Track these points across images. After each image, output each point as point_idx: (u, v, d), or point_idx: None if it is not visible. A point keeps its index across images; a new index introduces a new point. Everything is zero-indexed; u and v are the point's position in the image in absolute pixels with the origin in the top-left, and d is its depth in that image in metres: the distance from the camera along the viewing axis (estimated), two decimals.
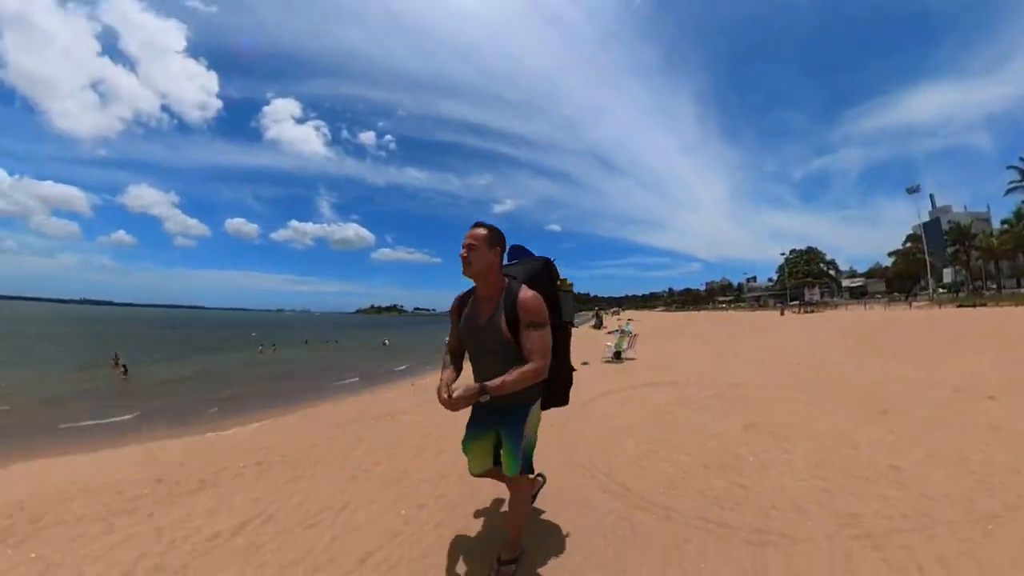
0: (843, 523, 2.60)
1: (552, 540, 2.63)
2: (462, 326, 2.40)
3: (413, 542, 2.74)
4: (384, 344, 32.68)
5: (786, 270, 74.62)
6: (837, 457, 3.65)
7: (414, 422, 6.05)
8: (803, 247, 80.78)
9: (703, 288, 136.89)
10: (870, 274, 79.25)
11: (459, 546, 2.66)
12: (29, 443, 7.12)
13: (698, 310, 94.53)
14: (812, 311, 43.10)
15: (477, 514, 3.07)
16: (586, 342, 19.94)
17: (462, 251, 2.25)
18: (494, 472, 2.54)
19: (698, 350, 14.15)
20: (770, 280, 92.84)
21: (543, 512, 3.00)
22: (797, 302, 52.82)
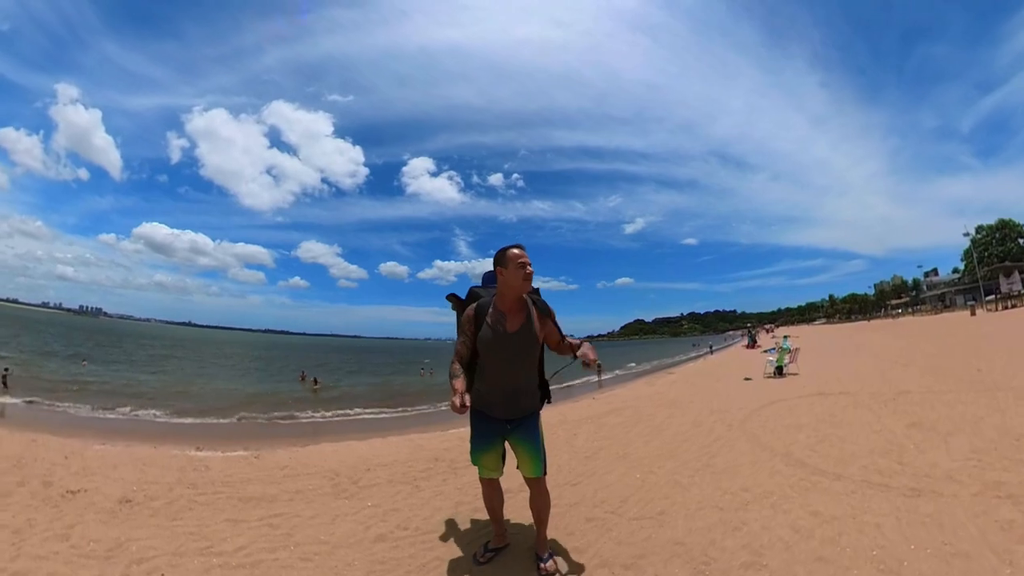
0: (988, 487, 3.06)
1: (754, 491, 3.52)
2: (487, 334, 2.44)
3: (649, 497, 3.73)
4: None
5: (974, 255, 53.02)
6: (996, 446, 3.88)
7: (616, 423, 7.08)
8: (993, 221, 57.88)
9: (871, 291, 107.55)
10: None
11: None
12: (297, 435, 8.62)
13: (867, 319, 75.30)
14: (1015, 305, 32.58)
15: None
16: (744, 361, 18.91)
17: (529, 268, 2.42)
18: (499, 483, 2.74)
19: (865, 362, 12.98)
20: (955, 271, 67.61)
21: (743, 472, 3.94)
22: (993, 297, 38.68)
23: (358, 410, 13.13)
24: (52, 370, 19.71)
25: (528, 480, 2.60)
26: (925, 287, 77.06)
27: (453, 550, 2.90)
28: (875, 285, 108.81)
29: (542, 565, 2.55)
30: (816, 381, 9.71)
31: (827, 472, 3.75)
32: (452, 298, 2.89)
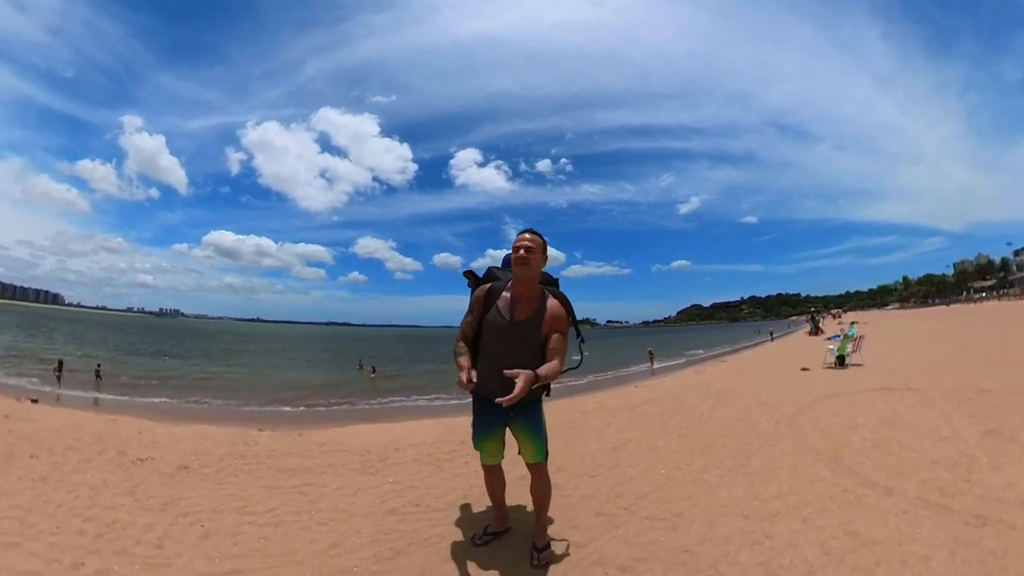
0: None
1: (788, 499, 3.14)
2: (495, 317, 2.35)
3: (669, 495, 3.45)
4: (578, 361, 33.74)
5: None
6: None
7: (654, 412, 6.74)
8: None
9: (950, 272, 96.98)
10: None
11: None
12: (344, 417, 9.67)
13: (946, 304, 67.70)
14: None
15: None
16: (803, 348, 17.73)
17: (521, 252, 2.24)
18: (501, 468, 2.69)
19: (940, 353, 11.65)
20: None
21: (781, 476, 3.55)
22: None
23: (414, 396, 13.55)
24: (137, 365, 21.91)
25: (528, 465, 2.53)
26: (1014, 267, 66.98)
27: (455, 529, 2.96)
28: (955, 265, 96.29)
29: (535, 555, 2.49)
30: (881, 374, 8.79)
31: (878, 484, 3.28)
32: (468, 275, 2.76)
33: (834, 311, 72.08)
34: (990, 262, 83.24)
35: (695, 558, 2.48)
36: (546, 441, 2.49)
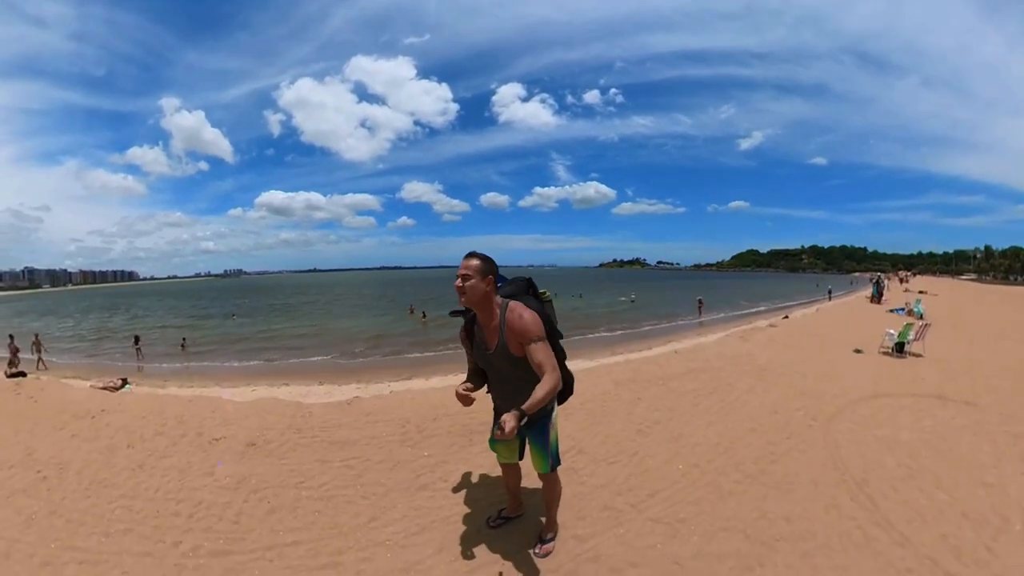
0: None
1: (795, 524, 3.13)
2: (479, 350, 2.42)
3: (679, 497, 3.53)
4: (631, 300, 32.67)
5: None
6: None
7: (688, 389, 6.70)
8: None
9: None
10: None
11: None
12: (397, 367, 10.61)
13: None
14: None
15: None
16: (861, 320, 16.20)
17: (457, 281, 2.23)
18: (518, 466, 2.86)
19: (1014, 358, 10.04)
20: None
21: (798, 494, 3.49)
22: None
23: (458, 349, 14.15)
24: (211, 328, 24.50)
25: (539, 474, 2.66)
26: None
27: (477, 508, 3.27)
28: None
29: (539, 545, 2.76)
30: (940, 373, 8.02)
31: (894, 528, 3.19)
32: (454, 315, 2.74)
33: (902, 273, 64.82)
34: None
35: (684, 572, 2.61)
36: (555, 454, 2.55)
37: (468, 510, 3.28)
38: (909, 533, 3.16)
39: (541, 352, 2.18)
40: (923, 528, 3.23)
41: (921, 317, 10.49)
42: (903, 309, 14.73)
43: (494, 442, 2.72)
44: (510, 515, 3.06)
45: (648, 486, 3.64)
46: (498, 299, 2.33)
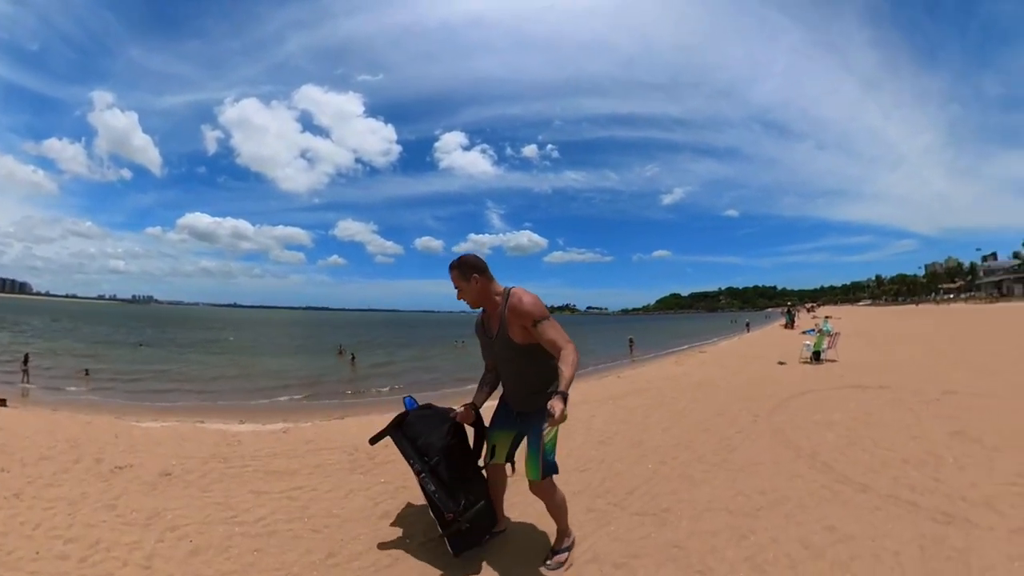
0: None
1: (770, 495, 3.31)
2: (481, 343, 2.53)
3: (656, 491, 3.66)
4: None
5: None
6: None
7: (636, 404, 6.92)
8: None
9: (921, 273, 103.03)
10: None
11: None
12: (327, 409, 9.74)
13: (915, 303, 70.78)
14: None
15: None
16: (779, 342, 18.23)
17: (456, 295, 2.40)
18: (503, 469, 2.66)
19: (911, 353, 12.19)
20: (1016, 256, 64.83)
21: (762, 472, 3.73)
22: None
23: (396, 385, 13.63)
24: (115, 358, 21.50)
25: (529, 484, 2.45)
26: (981, 272, 70.90)
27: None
28: (926, 267, 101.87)
29: (550, 555, 2.57)
30: (855, 371, 9.19)
31: (853, 480, 3.50)
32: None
33: (808, 305, 75.78)
34: (959, 266, 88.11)
35: (685, 553, 2.62)
36: (549, 459, 2.34)
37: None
38: (867, 482, 3.47)
39: (550, 330, 2.20)
40: (877, 477, 3.57)
41: (830, 332, 12.10)
42: (813, 330, 16.66)
43: (493, 434, 2.62)
44: (493, 530, 2.81)
45: (624, 486, 3.65)
46: (500, 288, 2.39)
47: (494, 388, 2.68)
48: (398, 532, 2.97)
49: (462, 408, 2.51)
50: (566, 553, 2.58)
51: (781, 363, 11.26)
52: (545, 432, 2.10)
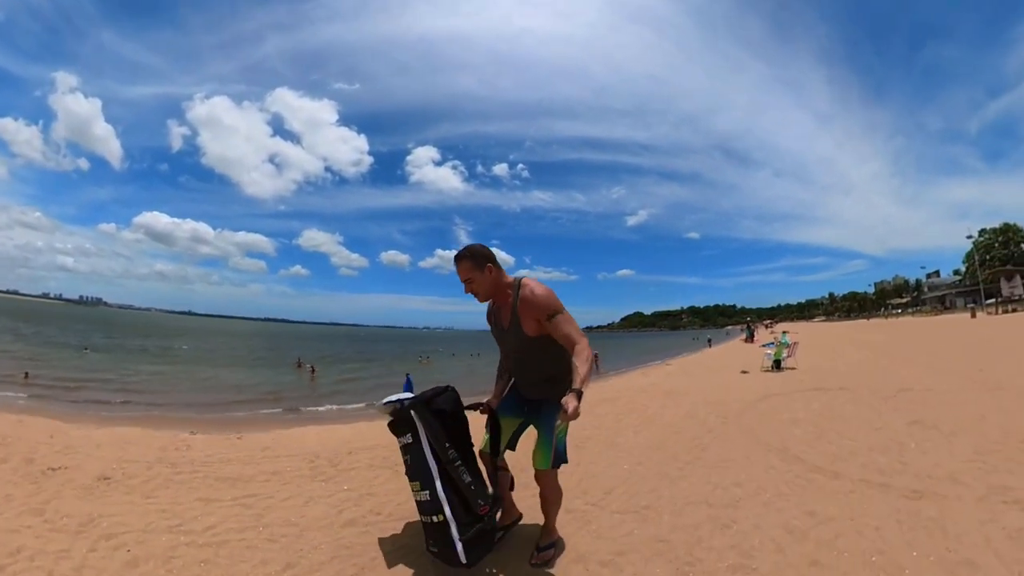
0: (995, 491, 2.86)
1: (747, 487, 3.34)
2: (494, 334, 2.47)
3: (634, 489, 3.66)
4: None
5: (976, 258, 54.79)
6: (1002, 447, 3.70)
7: (607, 411, 6.89)
8: (997, 224, 59.00)
9: (871, 291, 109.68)
10: None
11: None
12: (283, 421, 9.34)
13: (867, 318, 75.70)
14: (1014, 310, 32.46)
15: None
16: (741, 354, 18.96)
17: (465, 288, 2.30)
18: (497, 460, 2.52)
19: (866, 359, 12.84)
20: (956, 273, 69.84)
21: (736, 466, 3.78)
22: (993, 300, 38.13)
23: (357, 401, 13.12)
24: (59, 362, 19.90)
25: (536, 473, 2.38)
26: (926, 288, 77.32)
27: (421, 538, 2.69)
28: (875, 284, 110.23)
29: (535, 553, 2.48)
30: (814, 376, 9.56)
31: (824, 469, 3.57)
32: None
33: (766, 321, 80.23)
34: (906, 283, 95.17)
35: (671, 547, 2.58)
36: (560, 449, 2.33)
37: (415, 541, 2.71)
38: (838, 469, 3.56)
39: (565, 324, 2.14)
40: (847, 464, 3.68)
41: (788, 344, 12.72)
42: (772, 343, 17.48)
43: (498, 419, 2.52)
44: (505, 523, 2.69)
45: (601, 487, 3.58)
46: (509, 279, 2.33)
47: (511, 377, 2.60)
48: (364, 540, 2.79)
49: (482, 407, 2.45)
50: (551, 550, 2.51)
51: (744, 372, 11.60)
52: (557, 425, 2.06)
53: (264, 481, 3.86)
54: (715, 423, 5.59)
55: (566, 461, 2.38)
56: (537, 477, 2.39)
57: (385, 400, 2.52)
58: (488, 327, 2.58)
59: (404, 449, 2.44)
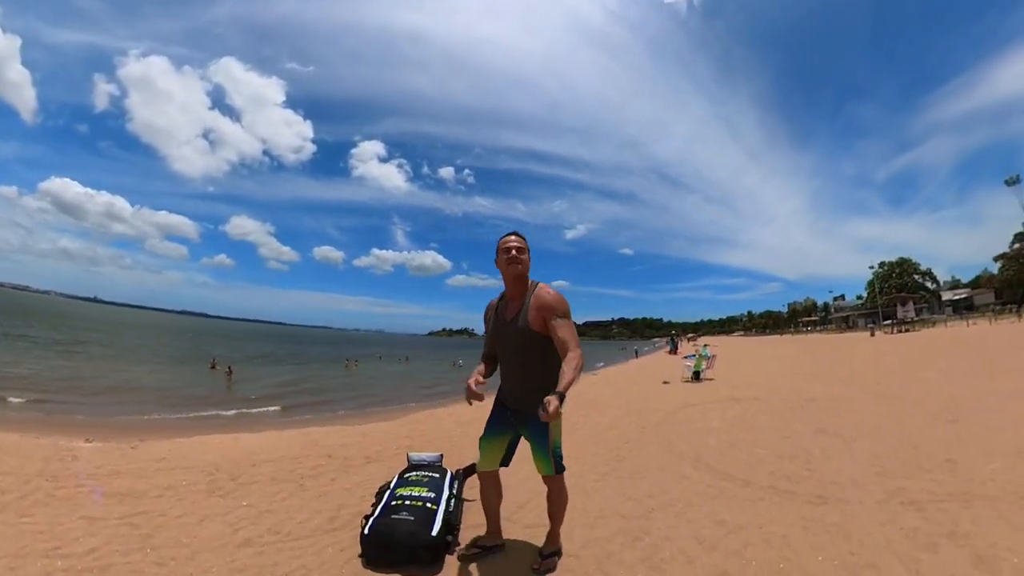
0: (892, 494, 3.07)
1: (659, 498, 3.37)
2: (493, 326, 2.51)
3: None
4: (459, 365, 33.90)
5: (876, 286, 64.81)
6: (897, 453, 4.03)
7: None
8: (895, 258, 70.31)
9: (785, 310, 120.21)
10: (976, 284, 65.33)
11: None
12: (191, 427, 8.54)
13: (780, 334, 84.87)
14: (907, 330, 39.36)
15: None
16: (664, 365, 19.92)
17: (513, 252, 2.38)
18: (497, 477, 2.63)
19: (778, 371, 13.92)
20: (859, 298, 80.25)
21: (651, 477, 3.82)
22: (890, 321, 47.38)
23: (270, 408, 12.12)
24: None
25: (543, 478, 2.48)
26: (833, 309, 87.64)
27: (322, 557, 2.67)
28: (789, 304, 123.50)
29: (538, 560, 2.51)
30: (730, 386, 10.15)
31: (735, 478, 3.68)
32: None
33: (690, 335, 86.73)
34: (815, 304, 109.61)
35: (581, 563, 2.51)
36: (558, 456, 2.39)
37: (314, 561, 2.62)
38: (748, 478, 3.68)
39: (566, 329, 2.25)
40: (756, 472, 3.82)
41: (708, 357, 13.47)
42: (694, 355, 18.51)
43: (484, 437, 2.56)
44: (487, 544, 2.66)
45: (513, 500, 3.43)
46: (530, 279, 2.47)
47: (493, 370, 2.59)
48: (259, 562, 2.60)
49: (475, 381, 2.31)
50: (555, 558, 2.53)
51: (665, 382, 12.06)
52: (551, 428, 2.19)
53: (156, 497, 3.64)
54: (634, 434, 5.67)
55: (564, 468, 2.44)
56: (546, 480, 2.48)
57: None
58: (483, 328, 2.67)
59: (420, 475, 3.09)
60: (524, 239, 2.46)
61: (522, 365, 2.40)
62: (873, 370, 11.82)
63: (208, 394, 13.88)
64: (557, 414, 1.92)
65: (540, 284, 2.43)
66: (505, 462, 2.60)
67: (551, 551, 2.54)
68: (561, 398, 1.96)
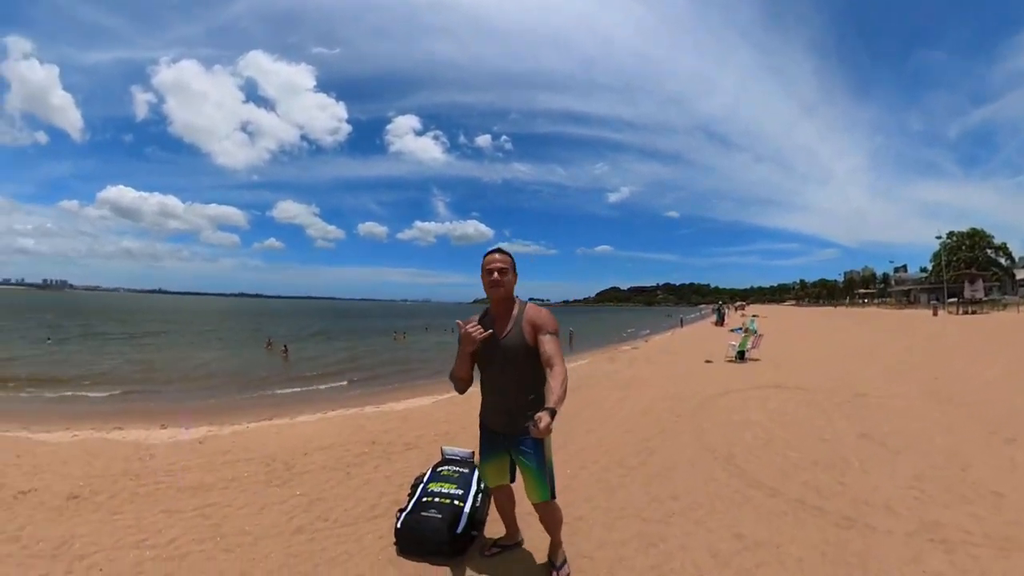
0: (925, 527, 2.92)
1: (683, 500, 3.43)
2: (483, 346, 2.41)
3: (571, 499, 3.75)
4: None
5: (943, 258, 56.52)
6: (942, 475, 3.81)
7: (565, 405, 7.13)
8: (965, 228, 61.68)
9: (841, 279, 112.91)
10: None
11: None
12: (253, 407, 9.61)
13: (835, 305, 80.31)
14: (974, 311, 34.26)
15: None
16: (708, 339, 19.46)
17: (495, 275, 2.39)
18: (509, 488, 2.68)
19: (828, 353, 13.37)
20: (923, 270, 72.36)
21: (678, 475, 3.88)
22: (955, 300, 40.21)
23: (323, 385, 13.18)
24: (18, 356, 18.71)
25: (535, 506, 2.50)
26: (893, 282, 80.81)
27: (362, 544, 2.99)
28: (845, 273, 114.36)
29: (554, 571, 2.58)
30: (776, 371, 9.89)
31: (764, 485, 3.68)
32: None
33: (738, 303, 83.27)
34: (874, 274, 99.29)
35: (593, 564, 2.65)
36: (552, 479, 2.43)
37: (355, 547, 2.95)
38: (777, 486, 3.66)
39: (553, 345, 2.30)
40: (786, 480, 3.79)
41: (755, 332, 12.96)
42: (741, 328, 17.95)
43: (482, 465, 2.65)
44: (506, 543, 2.87)
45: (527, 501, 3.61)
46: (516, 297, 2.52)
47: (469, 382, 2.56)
48: (310, 548, 2.96)
49: (464, 325, 2.40)
50: (566, 566, 2.61)
51: (708, 361, 11.88)
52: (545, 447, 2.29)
53: (223, 489, 4.08)
54: (669, 421, 5.70)
55: (555, 495, 2.48)
56: (537, 508, 2.50)
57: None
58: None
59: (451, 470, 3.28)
60: (509, 256, 2.49)
61: (518, 380, 2.40)
62: (931, 360, 11.09)
63: (267, 375, 15.05)
64: (548, 430, 1.94)
65: (528, 302, 2.51)
66: (513, 478, 2.63)
67: (562, 561, 2.61)
68: (552, 414, 1.97)
